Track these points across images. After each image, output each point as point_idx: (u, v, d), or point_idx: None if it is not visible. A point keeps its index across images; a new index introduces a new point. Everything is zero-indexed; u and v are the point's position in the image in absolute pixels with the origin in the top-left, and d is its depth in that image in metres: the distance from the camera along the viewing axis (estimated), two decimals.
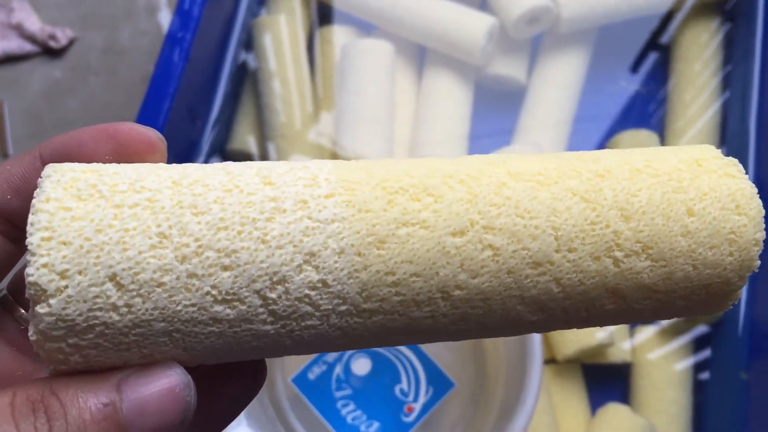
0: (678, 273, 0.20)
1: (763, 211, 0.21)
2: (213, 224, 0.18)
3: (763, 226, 0.21)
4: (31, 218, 0.17)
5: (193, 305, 0.17)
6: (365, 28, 0.58)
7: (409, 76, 0.56)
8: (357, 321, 0.19)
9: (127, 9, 0.63)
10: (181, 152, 0.51)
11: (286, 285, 0.18)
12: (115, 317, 0.17)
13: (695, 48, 0.56)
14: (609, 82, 0.57)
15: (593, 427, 0.46)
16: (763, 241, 0.21)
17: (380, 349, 0.43)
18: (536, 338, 0.39)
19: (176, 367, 0.18)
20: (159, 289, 0.17)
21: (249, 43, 0.57)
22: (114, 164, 0.19)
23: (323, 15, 0.58)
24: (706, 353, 0.48)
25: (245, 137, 0.55)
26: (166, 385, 0.18)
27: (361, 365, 0.43)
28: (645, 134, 0.53)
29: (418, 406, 0.42)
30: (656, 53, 0.58)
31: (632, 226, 0.20)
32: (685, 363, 0.48)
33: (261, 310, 0.18)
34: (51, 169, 0.18)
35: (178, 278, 0.17)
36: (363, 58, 0.53)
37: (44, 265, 0.17)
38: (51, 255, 0.17)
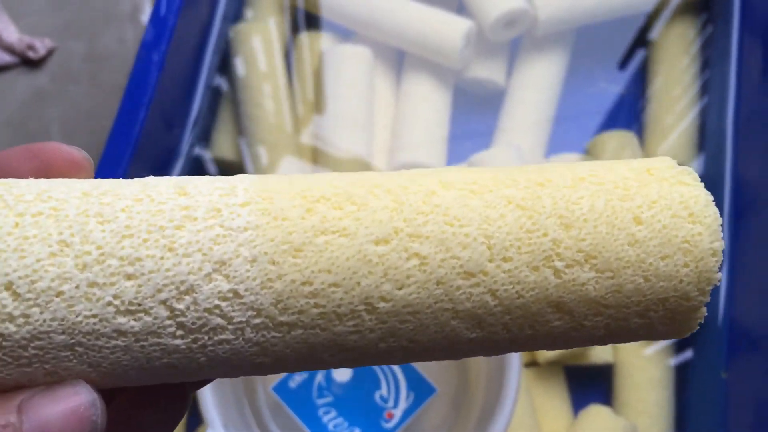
0: (628, 285, 0.19)
1: (720, 219, 0.20)
2: (118, 232, 0.17)
3: (721, 234, 0.20)
4: None
5: (94, 316, 0.17)
6: (345, 33, 0.58)
7: (388, 81, 0.56)
8: (275, 336, 0.18)
9: (108, 16, 0.63)
10: (160, 161, 0.51)
11: (195, 295, 0.17)
12: (12, 328, 0.17)
13: (677, 49, 0.56)
14: (588, 83, 0.57)
15: (575, 429, 0.46)
16: (723, 251, 0.20)
17: None
18: None
19: (81, 385, 0.18)
20: (57, 299, 0.17)
21: (227, 52, 0.57)
22: (30, 179, 0.19)
23: (302, 21, 0.58)
24: (688, 354, 0.48)
25: (225, 145, 0.55)
26: (70, 404, 0.17)
27: (342, 372, 0.43)
28: (625, 135, 0.54)
29: (398, 412, 0.42)
30: (642, 51, 0.58)
31: (573, 234, 0.19)
32: (667, 363, 0.48)
33: (168, 322, 0.17)
34: None
35: (77, 287, 0.17)
36: (342, 64, 0.53)
37: None
38: None
